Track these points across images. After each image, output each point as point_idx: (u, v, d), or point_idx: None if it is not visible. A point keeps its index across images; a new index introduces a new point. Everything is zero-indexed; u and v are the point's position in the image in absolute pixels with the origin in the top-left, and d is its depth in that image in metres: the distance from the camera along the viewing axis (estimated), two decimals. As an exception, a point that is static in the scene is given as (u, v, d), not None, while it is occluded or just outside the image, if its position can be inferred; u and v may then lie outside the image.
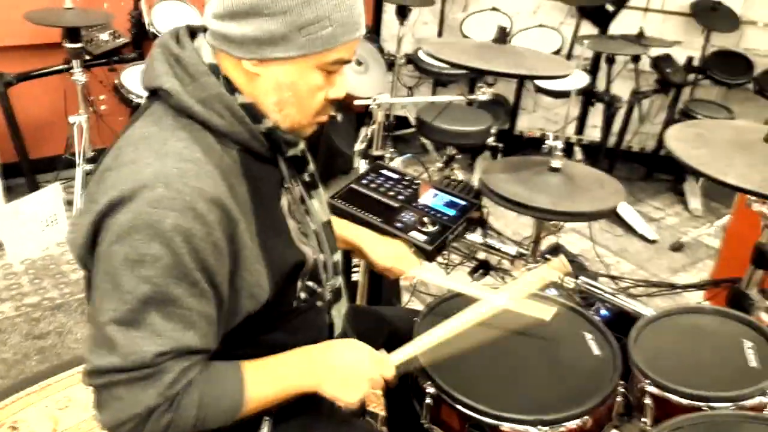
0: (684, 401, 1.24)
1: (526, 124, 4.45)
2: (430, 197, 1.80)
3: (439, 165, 3.16)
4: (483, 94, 2.05)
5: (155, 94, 1.02)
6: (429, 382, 1.24)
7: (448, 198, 1.80)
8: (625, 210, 3.62)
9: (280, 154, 1.11)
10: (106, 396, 0.95)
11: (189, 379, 0.97)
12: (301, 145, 1.16)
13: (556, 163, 1.76)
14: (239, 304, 1.03)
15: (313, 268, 1.15)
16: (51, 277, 2.81)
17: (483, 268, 2.32)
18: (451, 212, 1.75)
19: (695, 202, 3.89)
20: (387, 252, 1.46)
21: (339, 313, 1.26)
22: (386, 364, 1.16)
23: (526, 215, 1.68)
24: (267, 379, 1.07)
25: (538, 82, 3.91)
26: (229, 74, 1.02)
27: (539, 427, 1.16)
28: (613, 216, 3.46)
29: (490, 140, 3.35)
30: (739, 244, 2.26)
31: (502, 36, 1.92)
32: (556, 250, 2.45)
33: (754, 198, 1.61)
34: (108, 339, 0.92)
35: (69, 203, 3.19)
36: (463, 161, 3.95)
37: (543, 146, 1.83)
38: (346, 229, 1.47)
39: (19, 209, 2.89)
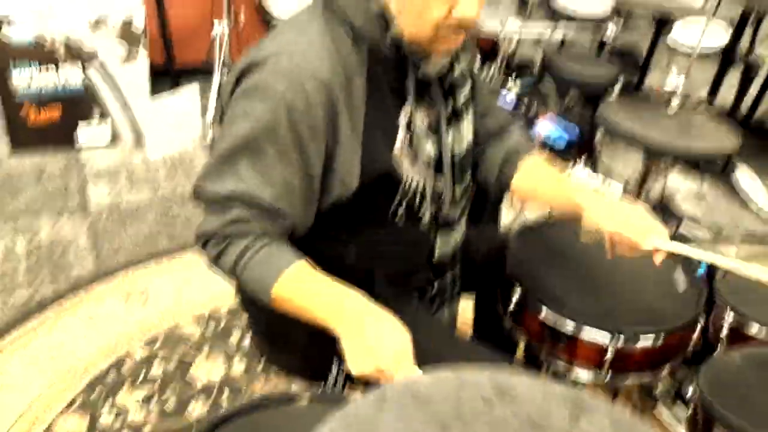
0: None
1: (656, 81, 4.28)
2: (547, 124, 1.84)
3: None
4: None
5: None
6: (518, 284, 1.33)
7: (563, 126, 1.84)
8: (746, 179, 3.35)
9: (413, 71, 1.14)
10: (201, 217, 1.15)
11: (244, 229, 1.08)
12: (438, 67, 1.15)
13: (675, 103, 1.75)
14: (332, 184, 1.13)
15: (411, 192, 1.18)
16: (184, 171, 3.09)
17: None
18: (563, 141, 1.79)
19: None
20: (619, 215, 1.21)
21: (446, 242, 1.29)
22: (409, 366, 0.98)
23: (636, 148, 1.69)
24: (302, 287, 1.09)
25: (674, 38, 3.74)
26: None
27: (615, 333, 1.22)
28: (729, 184, 3.27)
29: (615, 93, 3.28)
30: None
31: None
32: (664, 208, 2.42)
33: None
34: (211, 169, 1.10)
35: (203, 109, 3.41)
36: (585, 113, 3.87)
37: (665, 87, 1.82)
38: (562, 186, 1.31)
39: (162, 106, 3.16)
